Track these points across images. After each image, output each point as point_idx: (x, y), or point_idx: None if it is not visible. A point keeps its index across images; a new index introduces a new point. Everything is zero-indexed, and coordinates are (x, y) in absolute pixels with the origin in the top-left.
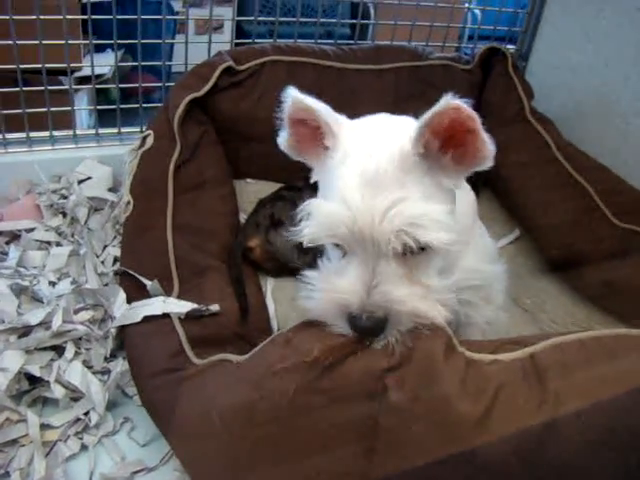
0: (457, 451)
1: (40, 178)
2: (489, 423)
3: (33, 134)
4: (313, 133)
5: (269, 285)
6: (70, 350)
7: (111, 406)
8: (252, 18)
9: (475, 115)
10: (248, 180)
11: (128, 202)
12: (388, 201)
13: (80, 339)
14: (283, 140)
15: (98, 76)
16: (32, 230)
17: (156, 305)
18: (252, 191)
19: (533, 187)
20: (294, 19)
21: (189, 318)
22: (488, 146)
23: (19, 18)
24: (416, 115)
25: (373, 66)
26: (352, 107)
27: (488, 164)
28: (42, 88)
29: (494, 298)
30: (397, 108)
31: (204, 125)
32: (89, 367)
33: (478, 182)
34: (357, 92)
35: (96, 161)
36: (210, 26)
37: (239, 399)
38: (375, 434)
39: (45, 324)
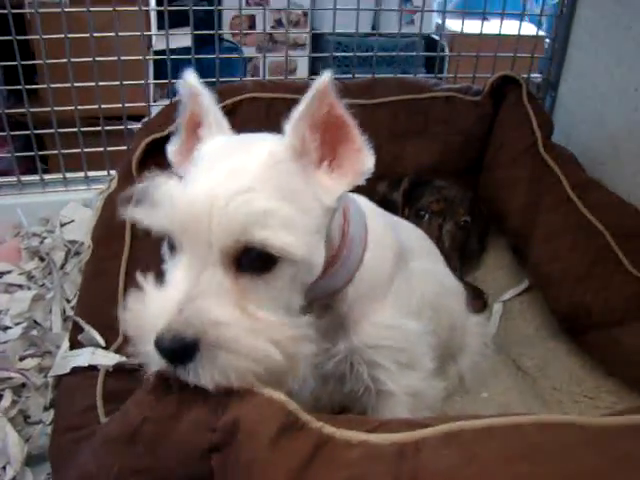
0: None
1: (28, 221)
2: None
3: (24, 178)
4: None
5: None
6: (7, 398)
7: (40, 460)
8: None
9: (348, 114)
10: None
11: (89, 246)
12: (236, 186)
13: (23, 386)
14: (174, 146)
15: None
16: (8, 273)
17: (84, 356)
18: None
19: (540, 231)
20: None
21: (121, 371)
22: (364, 152)
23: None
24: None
25: (365, 100)
26: None
27: (367, 173)
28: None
29: (420, 363)
30: (394, 144)
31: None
32: (26, 417)
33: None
34: None
35: (80, 204)
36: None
37: (86, 470)
38: None
39: None
